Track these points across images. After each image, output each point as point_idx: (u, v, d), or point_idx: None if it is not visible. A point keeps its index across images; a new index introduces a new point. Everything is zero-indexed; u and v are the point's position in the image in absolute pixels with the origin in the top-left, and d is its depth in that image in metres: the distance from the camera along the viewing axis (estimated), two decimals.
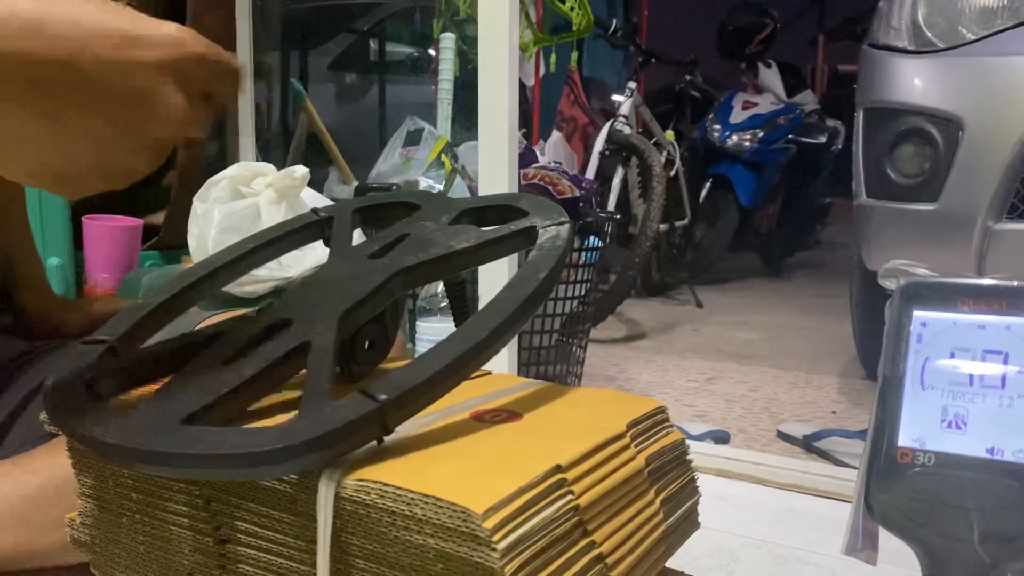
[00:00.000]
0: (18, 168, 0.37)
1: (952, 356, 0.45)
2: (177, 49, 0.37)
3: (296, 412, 0.35)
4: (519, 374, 1.46)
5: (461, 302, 0.52)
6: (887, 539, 0.45)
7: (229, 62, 0.41)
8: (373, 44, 2.92)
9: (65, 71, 0.34)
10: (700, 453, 1.23)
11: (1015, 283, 0.44)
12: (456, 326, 0.45)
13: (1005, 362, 0.44)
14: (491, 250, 0.47)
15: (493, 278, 1.20)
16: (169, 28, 0.37)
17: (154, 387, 0.41)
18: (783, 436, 1.57)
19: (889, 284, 0.48)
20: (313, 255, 1.23)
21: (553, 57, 2.70)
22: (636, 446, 0.41)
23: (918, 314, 0.46)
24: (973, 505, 0.41)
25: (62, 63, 0.34)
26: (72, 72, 0.35)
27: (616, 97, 3.19)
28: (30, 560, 0.58)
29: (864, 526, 0.45)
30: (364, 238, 0.53)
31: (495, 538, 0.30)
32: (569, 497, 0.35)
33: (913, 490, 0.44)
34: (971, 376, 0.44)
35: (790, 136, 3.95)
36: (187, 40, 0.38)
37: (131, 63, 0.36)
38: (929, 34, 1.56)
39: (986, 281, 0.45)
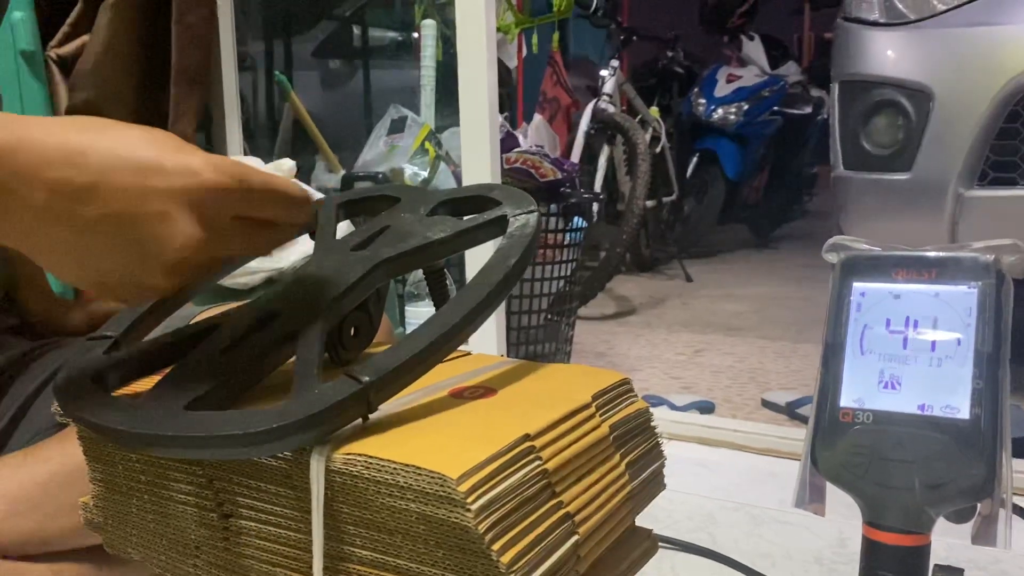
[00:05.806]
0: (72, 275, 0.41)
1: (888, 323, 0.49)
2: (191, 179, 0.39)
3: (288, 396, 0.38)
4: (508, 354, 1.50)
5: (440, 288, 0.55)
6: (832, 492, 0.49)
7: (273, 190, 0.42)
8: (356, 30, 2.92)
9: (90, 193, 0.38)
10: (683, 422, 1.27)
11: (942, 254, 0.48)
12: (436, 310, 0.48)
13: (934, 327, 0.48)
14: (466, 239, 0.50)
15: (479, 264, 1.25)
16: (189, 159, 0.39)
17: (156, 377, 0.43)
18: (767, 404, 1.61)
19: (831, 258, 0.51)
20: (302, 246, 1.25)
21: (535, 38, 2.71)
22: (601, 415, 0.45)
23: (857, 285, 0.50)
24: (906, 457, 0.45)
25: (88, 187, 0.38)
26: (95, 195, 0.38)
27: (601, 73, 3.20)
28: (45, 544, 0.61)
29: (811, 481, 0.49)
30: (353, 227, 0.55)
31: (469, 500, 0.34)
32: (537, 462, 0.38)
33: (854, 445, 0.47)
34: (905, 340, 0.48)
35: (775, 108, 3.97)
36: (203, 171, 0.39)
37: (147, 190, 0.38)
38: (900, 6, 1.58)
39: (916, 253, 0.49)
